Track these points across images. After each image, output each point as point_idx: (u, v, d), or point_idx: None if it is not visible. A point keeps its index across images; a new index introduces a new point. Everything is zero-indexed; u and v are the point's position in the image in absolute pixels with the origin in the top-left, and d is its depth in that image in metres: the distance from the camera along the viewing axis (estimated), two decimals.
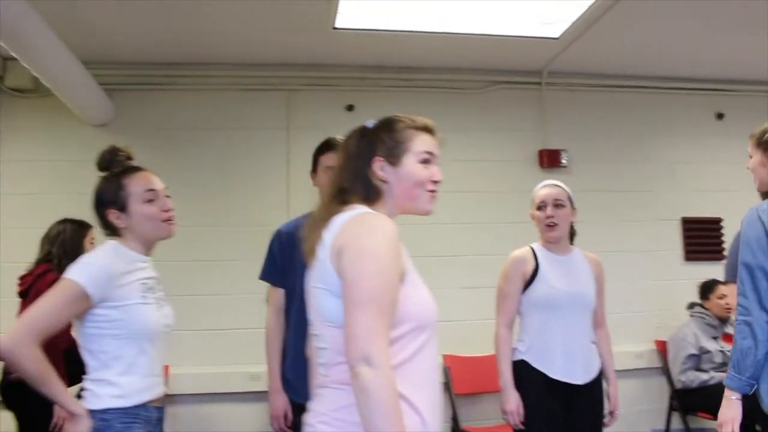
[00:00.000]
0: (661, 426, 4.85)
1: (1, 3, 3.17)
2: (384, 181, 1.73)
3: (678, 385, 4.56)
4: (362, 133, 1.78)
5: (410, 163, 1.72)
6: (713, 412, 2.71)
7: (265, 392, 2.96)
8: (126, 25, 4.16)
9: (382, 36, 4.39)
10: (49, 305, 1.98)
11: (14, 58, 3.85)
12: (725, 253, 4.32)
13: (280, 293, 2.93)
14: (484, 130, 5.11)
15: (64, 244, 3.57)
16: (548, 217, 3.02)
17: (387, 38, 4.44)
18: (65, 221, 3.73)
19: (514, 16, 4.16)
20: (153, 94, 4.82)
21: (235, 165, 4.80)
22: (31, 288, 3.44)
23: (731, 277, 2.56)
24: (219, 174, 4.75)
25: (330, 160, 2.83)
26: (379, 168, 1.73)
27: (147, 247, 2.25)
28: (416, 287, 1.64)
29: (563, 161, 5.10)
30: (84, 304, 1.99)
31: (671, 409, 4.78)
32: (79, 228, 3.69)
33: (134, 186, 2.20)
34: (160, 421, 2.15)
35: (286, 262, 2.91)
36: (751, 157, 2.55)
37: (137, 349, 2.07)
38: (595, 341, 3.03)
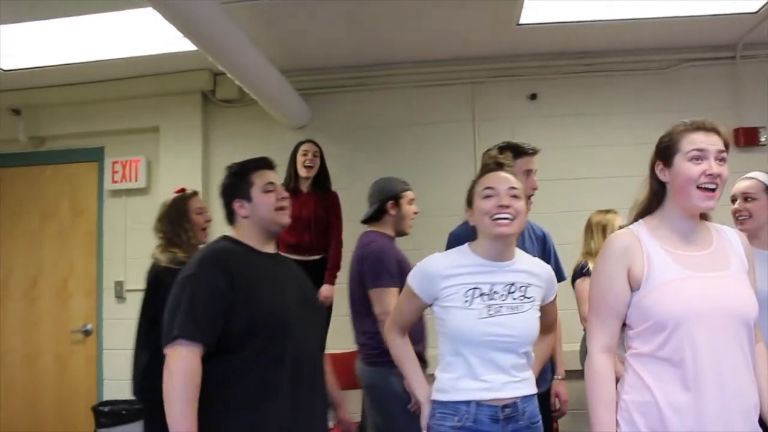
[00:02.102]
0: None
1: (215, 27, 3.56)
2: (666, 182, 1.95)
3: None
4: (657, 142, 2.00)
5: (680, 163, 1.91)
6: None
7: None
8: (317, 34, 4.47)
9: (564, 26, 4.38)
10: (398, 302, 2.42)
11: (223, 73, 4.33)
12: None
13: None
14: (672, 111, 4.79)
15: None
16: (737, 211, 2.95)
17: (569, 27, 4.42)
18: None
19: None
20: (345, 96, 5.12)
21: (425, 159, 4.96)
22: None
23: None
24: (409, 168, 4.78)
25: (528, 164, 2.89)
26: (659, 171, 1.95)
27: (491, 248, 2.20)
28: (659, 289, 1.86)
29: (762, 139, 4.78)
30: (419, 302, 2.25)
31: None
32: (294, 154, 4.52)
33: (477, 186, 2.25)
34: (498, 420, 2.10)
35: None
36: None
37: (452, 350, 2.15)
38: None
